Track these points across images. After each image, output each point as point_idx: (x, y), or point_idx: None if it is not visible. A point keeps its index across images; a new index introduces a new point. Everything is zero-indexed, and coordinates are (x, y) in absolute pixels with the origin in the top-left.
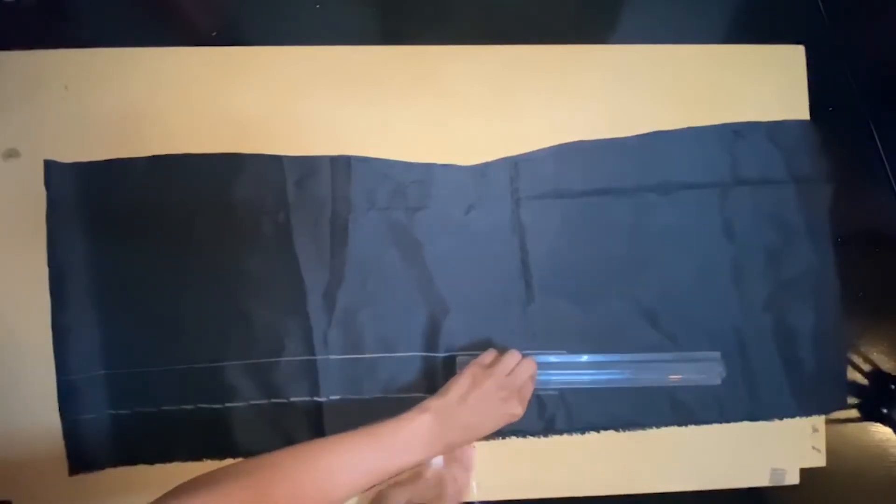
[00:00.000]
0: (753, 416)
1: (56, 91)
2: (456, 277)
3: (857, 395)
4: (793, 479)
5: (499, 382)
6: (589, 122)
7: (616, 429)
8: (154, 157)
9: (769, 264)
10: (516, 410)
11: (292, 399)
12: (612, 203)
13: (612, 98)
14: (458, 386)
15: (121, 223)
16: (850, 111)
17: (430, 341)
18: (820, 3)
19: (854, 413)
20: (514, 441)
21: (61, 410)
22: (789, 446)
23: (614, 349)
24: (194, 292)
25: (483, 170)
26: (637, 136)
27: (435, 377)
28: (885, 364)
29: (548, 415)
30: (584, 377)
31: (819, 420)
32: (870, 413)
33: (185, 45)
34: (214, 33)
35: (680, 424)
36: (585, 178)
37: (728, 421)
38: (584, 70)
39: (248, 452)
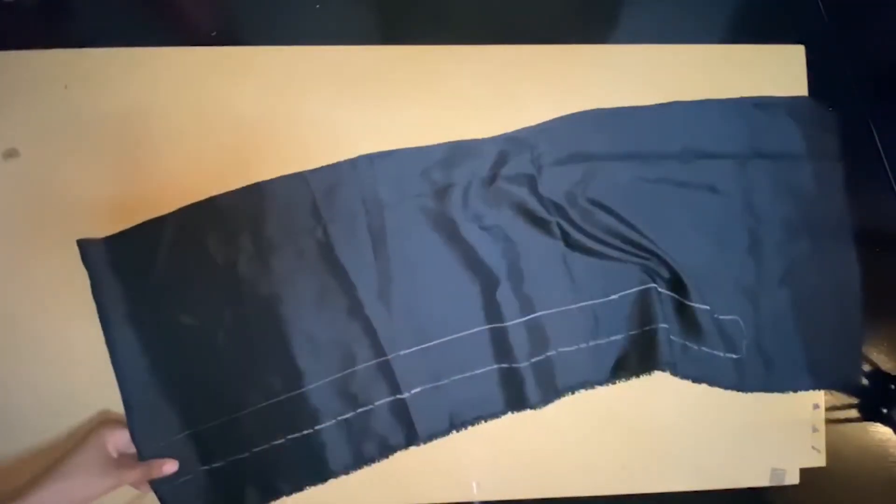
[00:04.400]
0: (768, 388)
1: (56, 91)
2: (496, 246)
3: (857, 395)
4: (793, 479)
5: None
6: None
7: (663, 369)
8: (180, 210)
9: (787, 239)
10: None
11: (377, 403)
12: (633, 166)
13: (612, 98)
14: None
15: (166, 284)
16: (850, 111)
17: (491, 313)
18: (820, 3)
19: (854, 413)
20: (513, 441)
21: (154, 481)
22: (789, 446)
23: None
24: (254, 330)
25: (502, 141)
26: (656, 105)
27: (506, 345)
28: (885, 364)
29: (609, 362)
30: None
31: (819, 420)
32: (870, 413)
33: (185, 45)
34: (214, 33)
35: (696, 381)
36: (606, 142)
37: (744, 390)
38: (584, 70)
39: (348, 468)
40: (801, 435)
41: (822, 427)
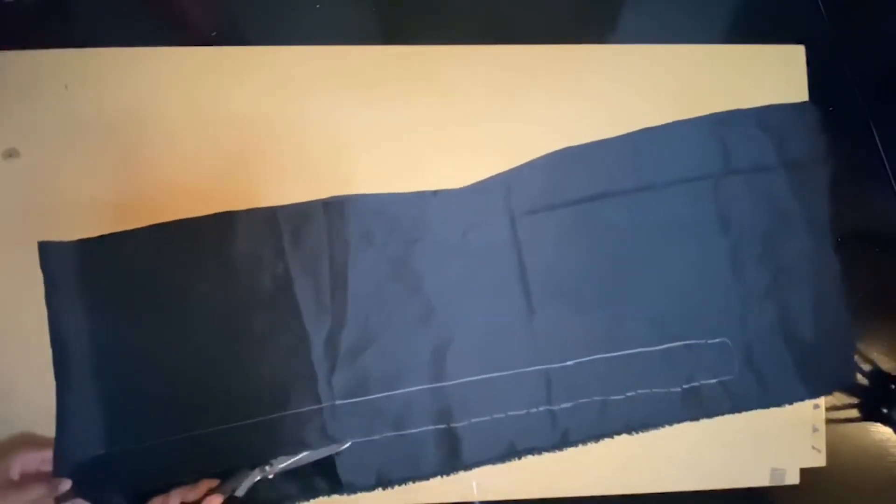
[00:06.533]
0: (764, 404)
1: (56, 91)
2: (457, 303)
3: (857, 395)
4: (793, 479)
5: None
6: (589, 121)
7: (630, 432)
8: (147, 227)
9: (767, 251)
10: None
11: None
12: (607, 206)
13: (612, 98)
14: None
15: (121, 297)
16: (851, 111)
17: (437, 372)
18: (820, 3)
19: (854, 413)
20: None
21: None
22: (789, 446)
23: (619, 350)
24: (199, 358)
25: (475, 191)
26: (624, 135)
27: (445, 407)
28: (885, 364)
29: (561, 428)
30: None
31: (819, 420)
32: (870, 413)
33: (185, 45)
34: (214, 33)
35: (692, 419)
36: (577, 185)
37: (739, 411)
38: (584, 70)
39: None
40: (801, 435)
41: (822, 427)
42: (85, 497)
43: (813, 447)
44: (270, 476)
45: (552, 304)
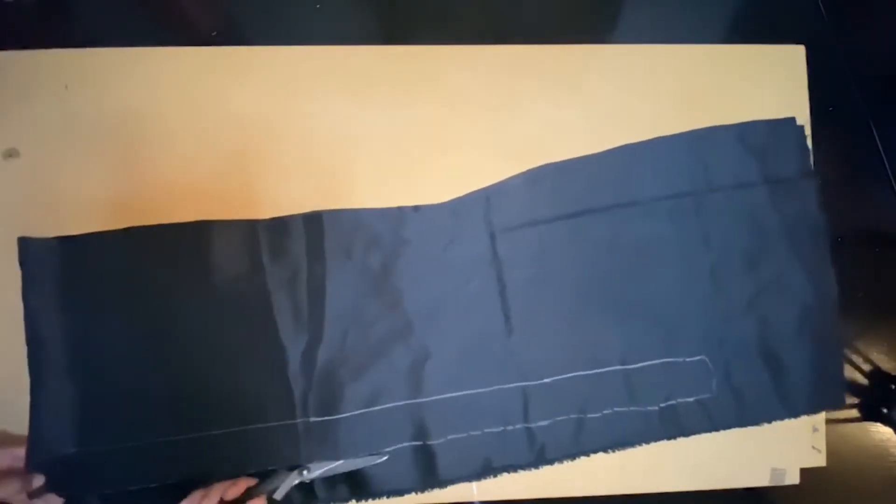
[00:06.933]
0: (743, 422)
1: (56, 91)
2: (435, 319)
3: (857, 395)
4: (793, 479)
5: None
6: (589, 121)
7: (606, 451)
8: (127, 229)
9: (748, 268)
10: None
11: (274, 467)
12: (587, 223)
13: (612, 98)
14: None
15: (98, 298)
16: (850, 111)
17: (414, 388)
18: (820, 3)
19: (854, 413)
20: None
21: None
22: (789, 446)
23: (597, 368)
24: (174, 364)
25: (455, 207)
26: (605, 151)
27: (421, 425)
28: (885, 364)
29: (538, 445)
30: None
31: (819, 420)
32: (870, 413)
33: (185, 45)
34: (214, 33)
35: (670, 438)
36: (558, 202)
37: (718, 429)
38: (584, 70)
39: None
40: (801, 435)
41: (822, 427)
42: (58, 493)
43: (813, 447)
44: (308, 480)
45: (531, 321)
